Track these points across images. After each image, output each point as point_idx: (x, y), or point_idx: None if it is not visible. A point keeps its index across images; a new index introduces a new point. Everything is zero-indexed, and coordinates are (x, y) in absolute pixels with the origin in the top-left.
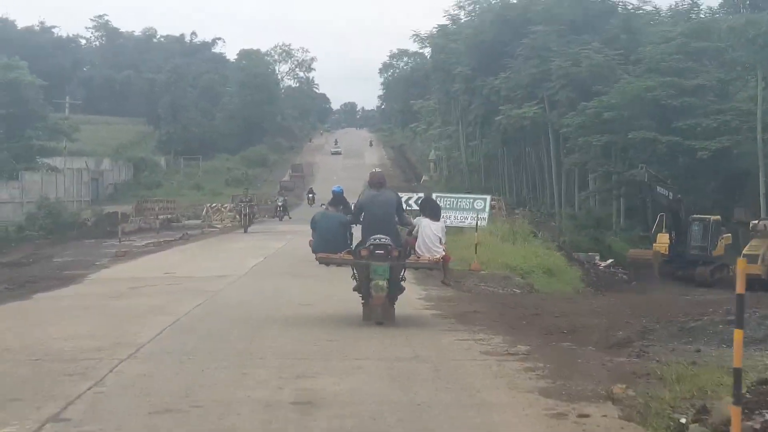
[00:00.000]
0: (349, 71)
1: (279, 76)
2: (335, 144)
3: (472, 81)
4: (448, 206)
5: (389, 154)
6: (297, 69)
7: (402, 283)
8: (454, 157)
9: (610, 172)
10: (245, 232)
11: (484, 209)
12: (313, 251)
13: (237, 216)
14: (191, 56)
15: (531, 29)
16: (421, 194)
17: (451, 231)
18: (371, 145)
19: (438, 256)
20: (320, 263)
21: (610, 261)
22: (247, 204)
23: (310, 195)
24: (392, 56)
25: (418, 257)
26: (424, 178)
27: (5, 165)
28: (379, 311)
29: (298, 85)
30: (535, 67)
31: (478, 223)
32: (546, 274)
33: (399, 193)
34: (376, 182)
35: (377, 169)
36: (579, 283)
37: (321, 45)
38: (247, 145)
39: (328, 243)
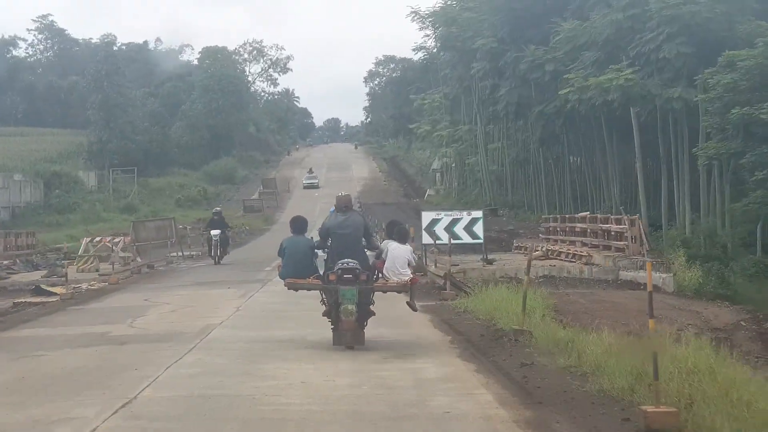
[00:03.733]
0: (332, 87)
1: (250, 78)
2: (309, 173)
3: (499, 57)
4: None
5: (381, 166)
6: (271, 69)
7: (371, 307)
8: (469, 164)
9: None
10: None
11: None
12: (281, 277)
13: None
14: (157, 66)
15: None
16: (478, 213)
17: None
18: (356, 148)
19: (406, 278)
20: (289, 289)
21: None
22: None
23: (214, 236)
24: (378, 63)
25: (386, 281)
26: (428, 192)
27: None
28: (348, 336)
29: (275, 90)
30: (621, 11)
31: None
32: None
33: (446, 213)
34: (342, 206)
35: (343, 192)
36: None
37: (302, 61)
38: (213, 160)
39: (296, 268)
